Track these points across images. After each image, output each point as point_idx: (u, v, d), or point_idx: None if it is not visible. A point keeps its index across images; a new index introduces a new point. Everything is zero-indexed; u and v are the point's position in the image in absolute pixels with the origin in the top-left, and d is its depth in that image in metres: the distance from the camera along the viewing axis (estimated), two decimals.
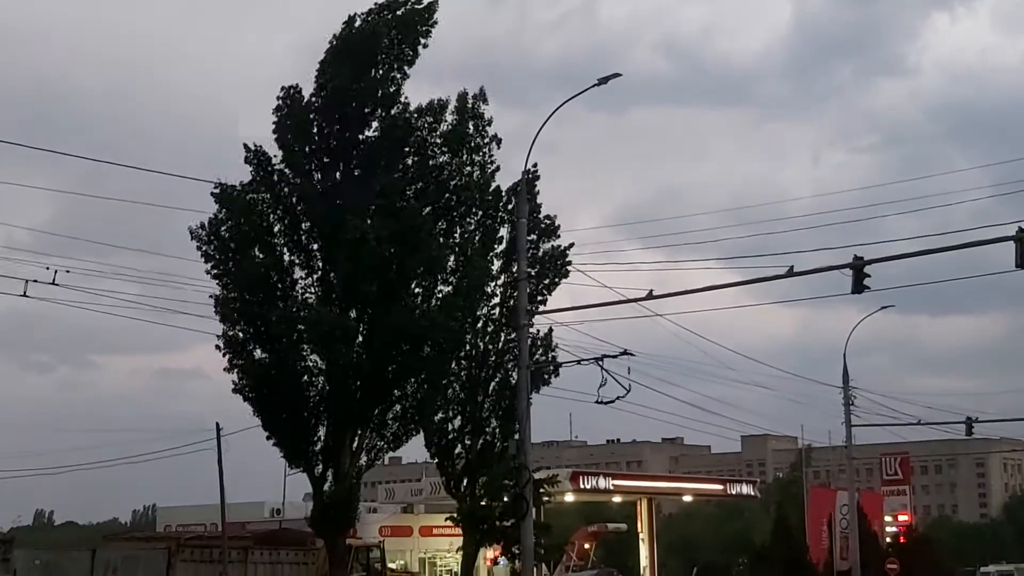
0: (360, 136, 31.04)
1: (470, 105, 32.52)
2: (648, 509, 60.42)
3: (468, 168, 32.54)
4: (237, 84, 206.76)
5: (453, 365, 33.50)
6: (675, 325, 32.04)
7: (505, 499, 32.02)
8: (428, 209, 31.53)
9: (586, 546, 58.22)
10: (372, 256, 29.68)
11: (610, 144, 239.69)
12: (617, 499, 62.85)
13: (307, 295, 31.11)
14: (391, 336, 30.19)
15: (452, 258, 32.16)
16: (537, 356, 32.83)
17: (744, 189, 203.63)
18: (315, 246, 31.05)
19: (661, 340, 34.79)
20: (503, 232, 34.09)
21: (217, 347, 30.73)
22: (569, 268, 34.32)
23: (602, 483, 57.51)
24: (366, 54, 30.79)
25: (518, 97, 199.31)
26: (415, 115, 31.62)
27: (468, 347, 34.20)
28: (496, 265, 34.14)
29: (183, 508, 67.40)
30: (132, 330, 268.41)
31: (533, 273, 33.35)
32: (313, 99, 31.09)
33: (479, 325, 34.19)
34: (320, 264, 31.16)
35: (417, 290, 31.55)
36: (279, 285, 30.98)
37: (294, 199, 31.11)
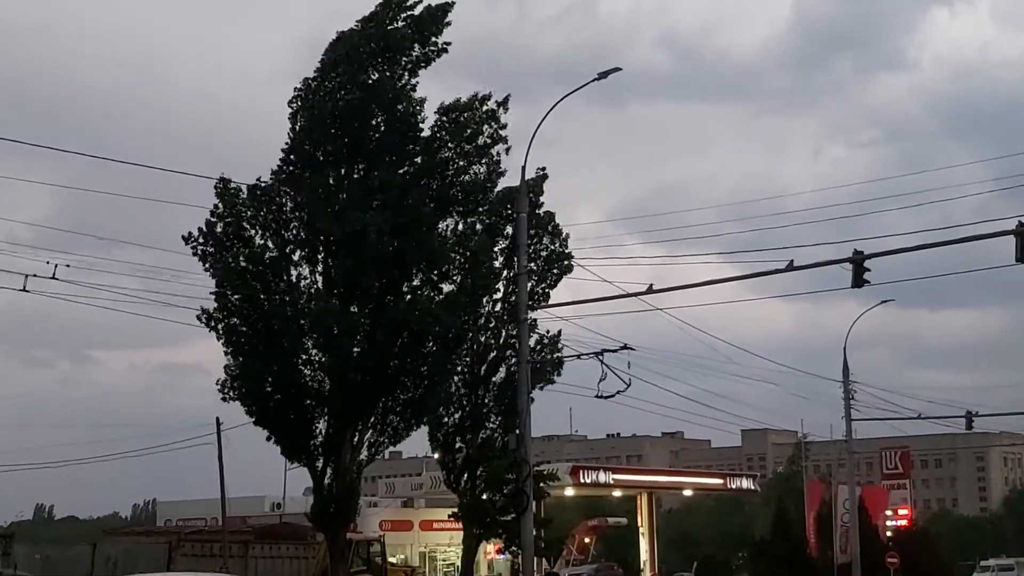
0: (367, 130, 30.94)
1: (490, 108, 32.51)
2: (648, 503, 60.53)
3: (475, 167, 32.61)
4: (238, 81, 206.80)
5: (454, 358, 33.50)
6: (675, 319, 32.06)
7: (505, 493, 32.09)
8: (433, 205, 31.52)
9: (586, 540, 58.36)
10: (373, 250, 29.64)
11: (610, 139, 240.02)
12: (617, 493, 63.04)
13: (309, 289, 31.05)
14: (393, 330, 30.15)
15: (457, 255, 32.09)
16: (543, 355, 32.90)
17: (744, 184, 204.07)
18: (317, 240, 30.98)
19: (661, 334, 34.84)
20: (509, 229, 34.10)
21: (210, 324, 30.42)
22: (571, 265, 34.39)
23: (602, 477, 57.65)
24: (377, 50, 30.68)
25: (518, 92, 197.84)
26: (419, 108, 31.48)
27: (469, 342, 34.22)
28: (498, 261, 34.16)
29: (184, 502, 67.50)
30: (132, 325, 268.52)
31: (535, 268, 33.42)
32: (320, 92, 30.97)
33: (481, 320, 34.20)
34: (321, 257, 31.10)
35: (419, 285, 31.52)
36: (280, 279, 30.93)
37: (295, 193, 31.03)
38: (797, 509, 59.90)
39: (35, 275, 27.08)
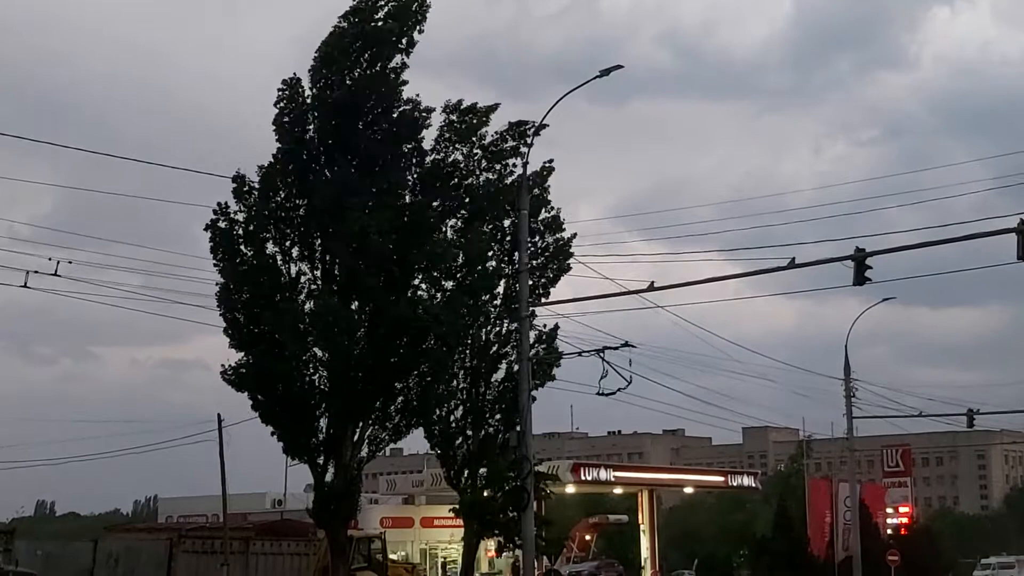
0: (360, 129, 30.92)
1: (521, 128, 32.84)
2: (649, 501, 60.56)
3: (488, 175, 32.79)
4: (239, 78, 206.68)
5: (455, 356, 33.52)
6: (676, 317, 32.10)
7: (506, 491, 32.09)
8: (437, 205, 31.56)
9: (587, 537, 58.39)
10: (374, 249, 29.66)
11: (611, 136, 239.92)
12: (618, 490, 63.03)
13: (310, 287, 31.07)
14: (394, 329, 30.18)
15: (461, 256, 32.08)
16: (539, 351, 32.87)
17: (745, 181, 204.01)
18: (317, 238, 31.00)
19: (662, 332, 34.90)
20: (506, 222, 34.14)
21: (225, 330, 30.63)
22: (571, 262, 34.37)
23: (603, 475, 57.70)
24: (364, 45, 30.68)
25: (518, 89, 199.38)
26: (419, 107, 31.47)
27: (470, 338, 34.23)
28: (496, 255, 34.16)
29: (185, 499, 67.60)
30: (133, 321, 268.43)
31: (535, 264, 33.38)
32: (312, 91, 30.99)
33: (481, 318, 34.20)
34: (321, 256, 31.11)
35: (420, 283, 31.54)
36: (281, 277, 30.96)
37: (295, 190, 31.06)
38: (798, 507, 59.95)
39: (36, 271, 27.16)
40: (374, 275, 29.92)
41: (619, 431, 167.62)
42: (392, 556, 45.44)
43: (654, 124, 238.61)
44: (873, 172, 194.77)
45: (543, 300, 33.66)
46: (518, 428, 29.90)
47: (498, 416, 35.23)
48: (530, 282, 31.08)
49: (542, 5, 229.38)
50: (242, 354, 30.55)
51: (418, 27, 31.10)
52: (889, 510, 60.86)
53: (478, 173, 33.31)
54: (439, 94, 32.25)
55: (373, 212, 29.79)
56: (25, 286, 27.06)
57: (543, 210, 35.11)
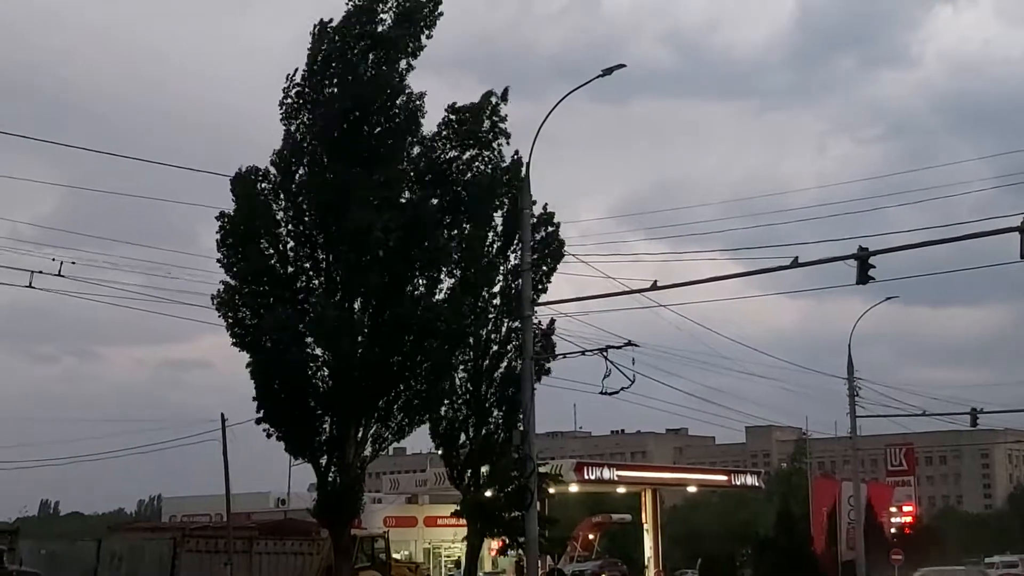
0: (364, 126, 30.93)
1: (493, 103, 32.66)
2: (652, 500, 60.57)
3: (477, 164, 32.63)
4: (239, 76, 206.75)
5: (457, 355, 33.53)
6: (679, 316, 32.07)
7: (509, 490, 32.10)
8: (435, 202, 31.55)
9: (590, 536, 58.44)
10: (377, 247, 29.68)
11: (613, 135, 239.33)
12: (621, 490, 63.00)
13: (311, 286, 31.08)
14: (396, 327, 30.19)
15: (459, 252, 32.11)
16: (536, 348, 32.84)
17: (747, 180, 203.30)
18: (319, 237, 31.00)
19: (665, 331, 34.79)
20: (497, 217, 34.11)
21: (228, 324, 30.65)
22: (572, 261, 34.36)
23: (606, 474, 57.72)
24: (369, 47, 30.70)
25: (520, 88, 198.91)
26: (419, 103, 31.46)
27: (472, 336, 34.22)
28: (491, 249, 34.17)
29: (188, 498, 67.71)
30: (137, 321, 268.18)
31: (534, 259, 33.36)
32: (315, 90, 30.98)
33: (482, 316, 34.19)
34: (323, 255, 31.11)
35: (422, 281, 31.54)
36: (283, 276, 30.97)
37: (297, 188, 31.07)
38: (801, 506, 59.89)
39: (40, 272, 27.21)
40: (377, 273, 29.94)
41: (622, 430, 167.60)
42: (395, 555, 45.49)
43: (656, 123, 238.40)
44: (875, 171, 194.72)
45: (542, 297, 33.63)
46: (520, 427, 29.90)
47: (500, 414, 35.26)
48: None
49: (544, 4, 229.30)
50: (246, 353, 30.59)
51: (427, 31, 31.12)
52: (893, 509, 60.84)
53: (472, 165, 33.11)
54: (440, 92, 32.15)
55: (377, 209, 29.80)
56: (30, 286, 27.17)
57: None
